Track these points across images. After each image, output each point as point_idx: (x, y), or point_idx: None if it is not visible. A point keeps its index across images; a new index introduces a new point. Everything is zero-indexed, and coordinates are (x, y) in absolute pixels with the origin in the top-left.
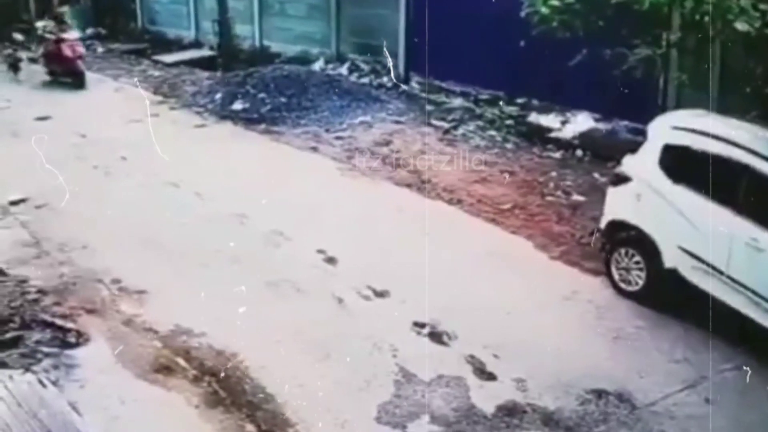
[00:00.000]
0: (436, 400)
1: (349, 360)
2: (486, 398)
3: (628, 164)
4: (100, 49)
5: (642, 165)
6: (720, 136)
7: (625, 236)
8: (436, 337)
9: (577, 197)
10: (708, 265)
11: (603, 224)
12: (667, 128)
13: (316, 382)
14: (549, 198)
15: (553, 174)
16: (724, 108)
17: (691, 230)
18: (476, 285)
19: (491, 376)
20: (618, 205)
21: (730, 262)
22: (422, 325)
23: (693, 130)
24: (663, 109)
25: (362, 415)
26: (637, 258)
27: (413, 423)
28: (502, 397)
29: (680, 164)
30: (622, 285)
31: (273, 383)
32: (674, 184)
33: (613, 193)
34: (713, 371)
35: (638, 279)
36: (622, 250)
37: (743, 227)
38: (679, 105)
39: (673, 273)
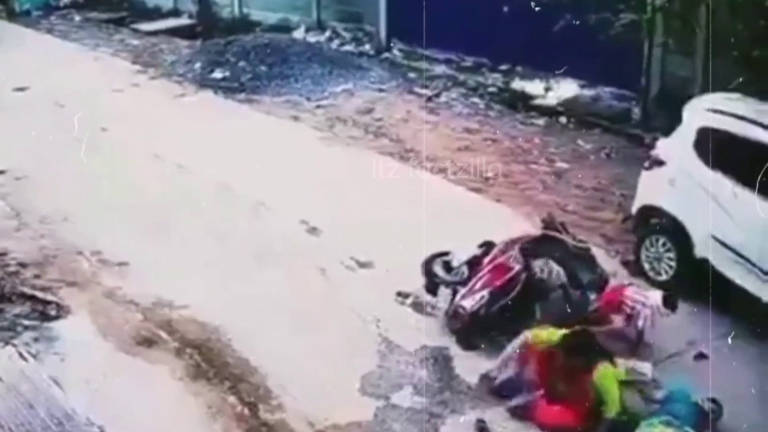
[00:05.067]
0: (419, 371)
1: (332, 331)
2: (470, 369)
3: (663, 147)
4: (77, 18)
5: (677, 148)
6: (756, 120)
7: (657, 223)
8: (420, 307)
9: (561, 164)
10: (741, 256)
11: (634, 210)
12: (703, 111)
13: (299, 354)
14: (533, 166)
15: (537, 141)
16: (710, 73)
17: (724, 218)
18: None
19: (476, 347)
20: (651, 190)
21: (764, 254)
22: (406, 296)
23: (729, 114)
24: (648, 75)
25: (346, 386)
26: (669, 246)
27: (397, 394)
28: (485, 367)
29: (716, 149)
30: (651, 274)
31: (256, 355)
32: (709, 170)
33: (646, 177)
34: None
35: (668, 269)
36: (653, 238)
37: None
38: (664, 71)
39: (704, 263)
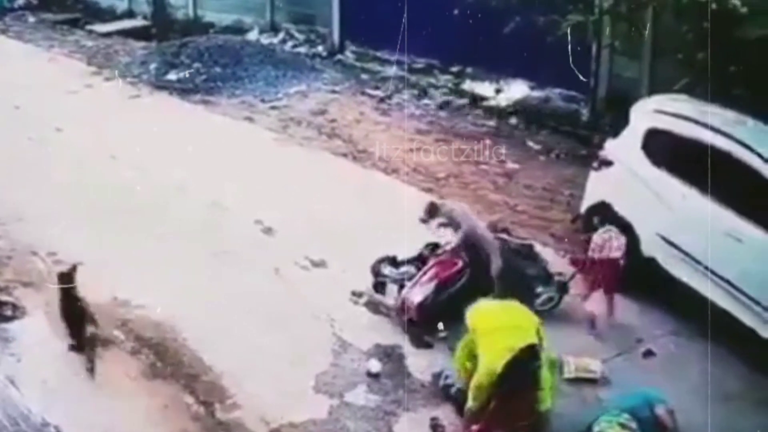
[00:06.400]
0: (373, 370)
1: (287, 330)
2: (422, 367)
3: (611, 148)
4: (31, 19)
5: (624, 149)
6: (702, 121)
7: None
8: (373, 306)
9: (511, 165)
10: (687, 255)
11: (583, 209)
12: (649, 112)
13: (254, 353)
14: (483, 166)
15: (488, 142)
16: (656, 74)
17: (670, 218)
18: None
19: (428, 345)
20: (599, 190)
21: (709, 253)
22: (360, 295)
23: (675, 115)
24: (596, 77)
25: (300, 385)
26: None
27: (350, 392)
28: (438, 366)
29: (663, 149)
30: None
31: (211, 354)
32: (656, 170)
33: (594, 177)
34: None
35: None
36: None
37: (723, 217)
38: (612, 72)
39: (652, 262)
